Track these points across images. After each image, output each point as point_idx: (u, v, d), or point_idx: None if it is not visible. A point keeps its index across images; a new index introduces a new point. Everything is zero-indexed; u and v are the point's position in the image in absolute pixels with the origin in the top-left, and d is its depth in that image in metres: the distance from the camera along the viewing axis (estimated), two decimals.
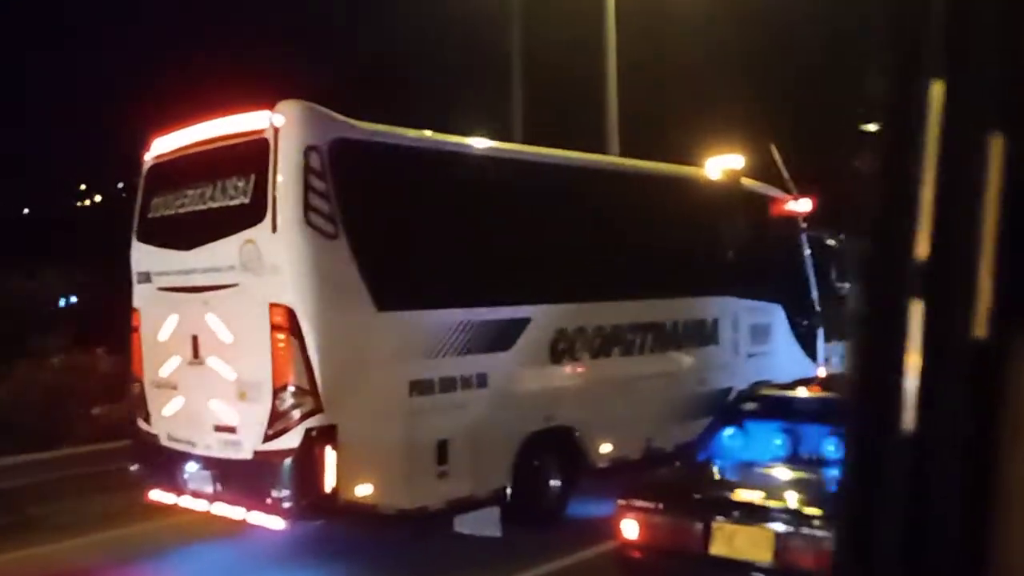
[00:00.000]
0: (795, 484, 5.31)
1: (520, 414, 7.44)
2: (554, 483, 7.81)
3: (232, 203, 6.47)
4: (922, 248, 0.92)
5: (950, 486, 0.92)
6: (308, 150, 6.17)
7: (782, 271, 10.74)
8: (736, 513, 4.91)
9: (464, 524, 7.30)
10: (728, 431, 5.95)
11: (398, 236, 6.66)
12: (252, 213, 6.25)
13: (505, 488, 7.29)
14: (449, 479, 6.88)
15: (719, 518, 4.90)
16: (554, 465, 7.81)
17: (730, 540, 4.85)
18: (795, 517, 4.75)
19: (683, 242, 9.00)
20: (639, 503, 5.22)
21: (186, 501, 6.89)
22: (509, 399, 7.32)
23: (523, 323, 7.49)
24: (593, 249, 8.11)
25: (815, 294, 11.21)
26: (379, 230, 6.53)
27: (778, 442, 5.62)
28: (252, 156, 6.30)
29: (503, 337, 7.32)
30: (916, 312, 0.92)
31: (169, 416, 7.06)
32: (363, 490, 6.29)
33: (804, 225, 11.25)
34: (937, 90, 0.91)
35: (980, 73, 0.91)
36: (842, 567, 1.06)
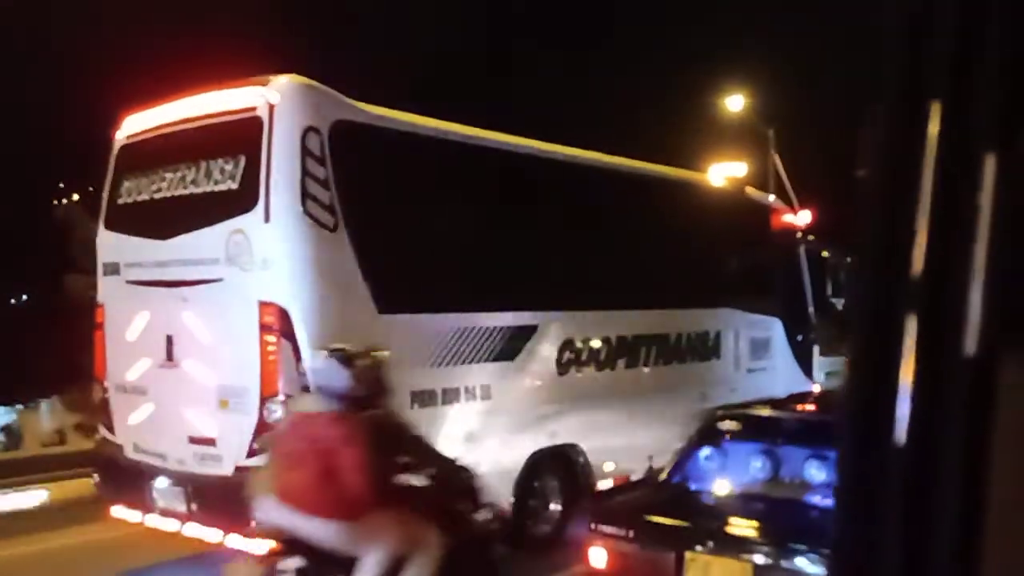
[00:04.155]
0: (776, 511, 4.89)
1: (526, 430, 6.85)
2: (554, 506, 7.24)
3: (218, 188, 5.78)
4: (917, 264, 0.93)
5: (944, 499, 0.93)
6: (307, 132, 5.53)
7: (781, 284, 10.37)
8: (711, 543, 4.47)
9: None
10: (705, 452, 5.48)
11: (403, 232, 6.03)
12: (241, 200, 5.58)
13: (506, 512, 6.70)
14: None
15: (694, 548, 4.47)
16: (555, 485, 7.25)
17: (705, 572, 4.43)
18: (775, 548, 4.33)
19: (691, 250, 8.53)
20: (608, 529, 4.75)
21: (153, 520, 6.16)
22: (515, 414, 6.73)
23: (529, 331, 6.91)
24: (604, 254, 7.57)
25: (812, 309, 10.88)
26: (382, 224, 5.91)
27: (758, 464, 5.18)
28: (242, 137, 5.62)
29: (509, 346, 6.74)
30: (911, 327, 0.94)
31: (136, 425, 6.33)
32: None
33: (801, 237, 10.96)
34: (936, 110, 0.93)
35: (978, 95, 0.93)
36: None
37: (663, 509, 5.01)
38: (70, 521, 7.91)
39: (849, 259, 11.08)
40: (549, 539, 7.09)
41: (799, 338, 10.62)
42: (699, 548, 4.45)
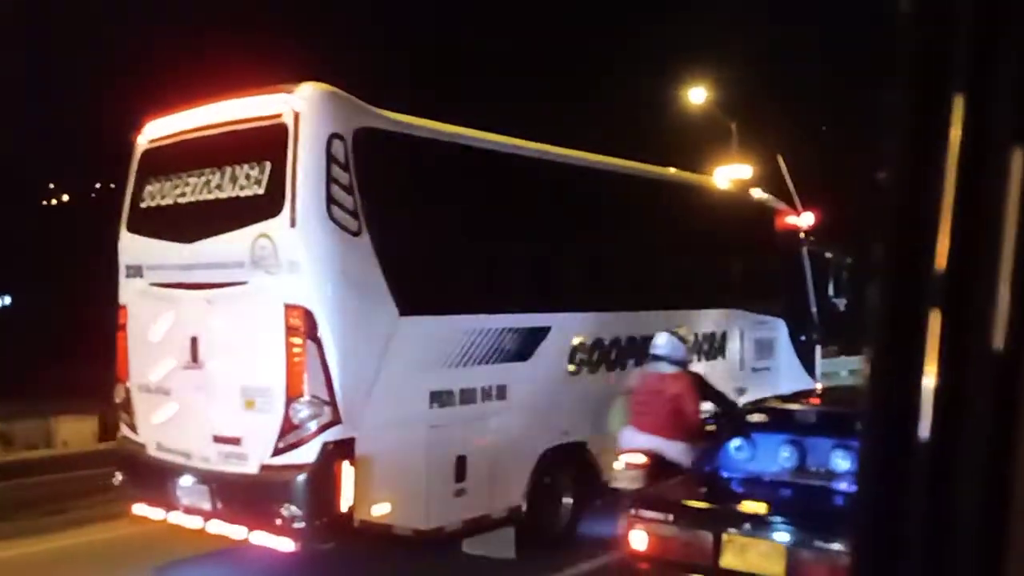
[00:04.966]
0: (805, 497, 5.19)
1: (539, 428, 7.01)
2: (566, 501, 7.41)
3: (243, 193, 5.91)
4: (941, 259, 0.93)
5: (968, 496, 0.93)
6: (332, 138, 5.66)
7: (785, 285, 10.55)
8: (747, 525, 4.79)
9: (475, 545, 6.86)
10: (735, 443, 5.80)
11: (423, 236, 6.18)
12: (267, 205, 5.70)
13: (520, 507, 6.86)
14: (466, 497, 6.41)
15: (730, 530, 4.77)
16: (567, 482, 7.41)
17: (741, 553, 4.72)
18: (807, 530, 4.62)
19: (699, 251, 8.69)
20: (648, 514, 5.05)
21: (176, 517, 6.28)
22: (529, 412, 6.89)
23: (543, 332, 7.07)
24: (615, 256, 7.74)
25: (814, 309, 11.06)
26: (403, 229, 6.05)
27: (786, 454, 5.50)
28: (268, 143, 5.75)
29: (524, 346, 6.90)
30: (935, 322, 0.93)
31: (159, 424, 6.45)
32: (380, 509, 5.79)
33: (804, 238, 11.12)
34: (959, 103, 0.92)
35: (1002, 88, 0.92)
36: None
37: (700, 495, 5.34)
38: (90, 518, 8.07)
39: (850, 259, 11.27)
40: (560, 536, 7.26)
41: (802, 338, 10.81)
42: (735, 530, 4.73)
